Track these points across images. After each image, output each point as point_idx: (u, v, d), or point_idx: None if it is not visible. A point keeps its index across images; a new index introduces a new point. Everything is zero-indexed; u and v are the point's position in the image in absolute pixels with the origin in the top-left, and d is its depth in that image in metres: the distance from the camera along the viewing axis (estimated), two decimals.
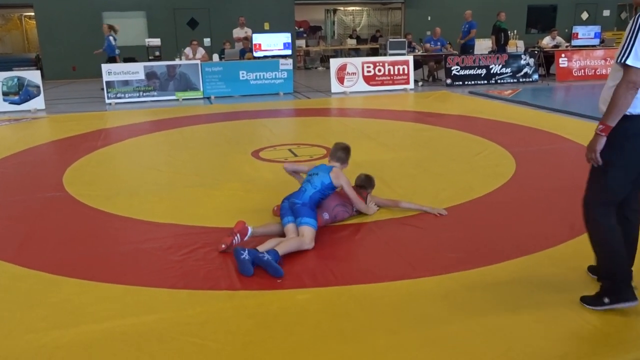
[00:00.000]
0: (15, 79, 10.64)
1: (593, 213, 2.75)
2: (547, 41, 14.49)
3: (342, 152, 4.22)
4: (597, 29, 14.43)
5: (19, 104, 10.64)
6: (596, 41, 14.21)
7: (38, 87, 10.76)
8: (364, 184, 4.35)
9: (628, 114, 2.56)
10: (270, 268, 3.27)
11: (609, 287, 2.75)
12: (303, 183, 4.04)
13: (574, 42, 14.09)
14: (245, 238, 3.68)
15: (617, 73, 2.60)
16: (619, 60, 2.50)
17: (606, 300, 2.75)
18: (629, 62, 2.46)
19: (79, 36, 17.50)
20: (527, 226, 3.98)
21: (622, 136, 2.58)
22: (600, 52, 13.69)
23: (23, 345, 2.60)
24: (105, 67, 11.29)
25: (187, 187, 5.22)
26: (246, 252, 3.33)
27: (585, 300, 2.84)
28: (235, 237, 3.64)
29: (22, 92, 10.66)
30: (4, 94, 10.59)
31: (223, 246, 3.61)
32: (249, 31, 13.54)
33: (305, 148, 6.76)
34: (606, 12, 22.46)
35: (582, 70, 13.55)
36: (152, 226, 4.19)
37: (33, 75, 10.83)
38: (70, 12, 17.47)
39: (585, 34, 14.20)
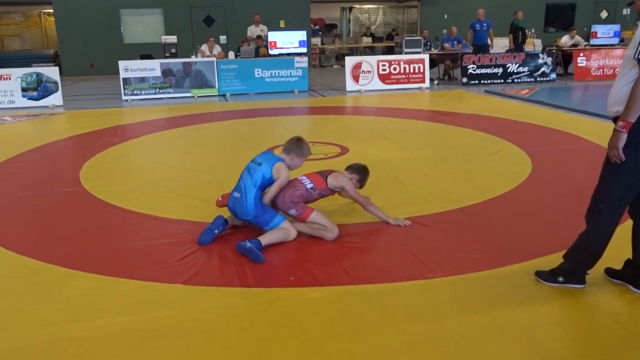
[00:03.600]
0: (34, 75, 10.78)
1: (598, 207, 2.80)
2: (565, 40, 14.31)
3: (288, 143, 4.01)
4: (616, 27, 14.22)
5: (37, 99, 10.78)
6: (615, 40, 14.00)
7: (56, 83, 10.89)
8: (356, 172, 4.12)
9: None
10: (252, 254, 3.43)
11: (569, 270, 2.97)
12: (243, 177, 3.79)
13: (593, 41, 13.90)
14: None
15: (628, 74, 2.61)
16: (635, 57, 2.53)
17: (560, 279, 2.99)
18: None
19: (96, 33, 17.69)
20: (543, 227, 3.93)
21: (637, 134, 2.60)
22: (619, 52, 13.47)
23: (38, 338, 2.64)
24: (122, 64, 11.38)
25: (202, 184, 5.25)
26: (248, 242, 3.48)
27: (540, 275, 3.08)
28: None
29: (40, 88, 10.80)
30: (23, 89, 10.73)
31: (220, 198, 4.04)
32: (265, 29, 13.54)
33: (319, 146, 6.75)
34: (626, 11, 22.11)
35: (601, 70, 13.37)
36: (167, 222, 4.22)
37: (51, 72, 10.96)
38: (89, 10, 17.66)
39: (604, 32, 14.01)
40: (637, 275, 2.95)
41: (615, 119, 2.72)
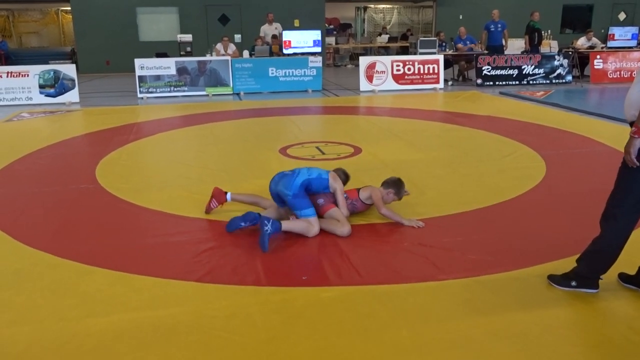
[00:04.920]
0: (52, 72, 10.92)
1: (613, 212, 2.80)
2: (582, 42, 14.17)
3: (340, 171, 4.28)
4: (634, 30, 14.07)
5: (54, 96, 10.92)
6: (633, 42, 13.86)
7: (73, 80, 11.02)
8: (392, 186, 4.19)
9: None
10: (261, 238, 3.53)
11: (582, 274, 2.95)
12: (300, 167, 4.05)
13: (610, 44, 13.77)
14: (226, 201, 4.29)
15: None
16: None
17: (573, 283, 2.97)
18: None
19: (113, 31, 17.86)
20: (556, 230, 3.92)
21: None
22: (637, 54, 13.33)
23: (55, 333, 2.69)
24: (138, 62, 11.49)
25: (216, 182, 5.26)
26: (270, 224, 3.54)
27: (553, 279, 3.06)
28: (212, 203, 4.27)
29: (57, 85, 10.93)
30: (41, 86, 10.87)
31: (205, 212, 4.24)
32: (279, 27, 13.56)
33: (332, 146, 6.77)
34: None
35: (618, 72, 13.23)
36: (181, 220, 4.26)
37: (68, 69, 11.09)
38: (105, 7, 17.84)
39: (622, 35, 13.88)
40: None
41: (632, 123, 2.71)
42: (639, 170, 2.66)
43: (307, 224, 3.77)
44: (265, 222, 3.54)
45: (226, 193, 4.33)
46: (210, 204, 4.30)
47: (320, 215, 3.94)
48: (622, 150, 2.71)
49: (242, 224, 3.82)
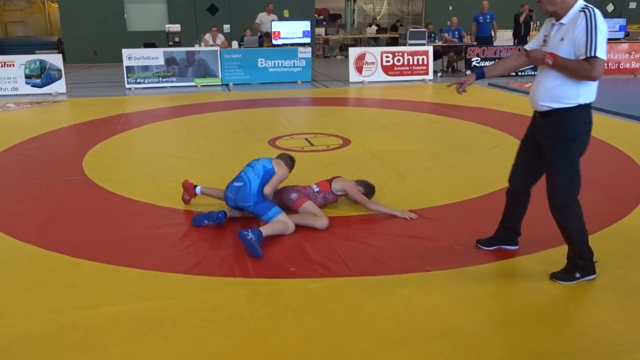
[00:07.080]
0: (38, 62, 10.78)
1: (571, 203, 2.96)
2: None
3: (284, 155, 4.28)
4: (622, 21, 14.15)
5: (40, 87, 10.79)
6: (621, 34, 13.94)
7: (60, 70, 10.89)
8: (364, 187, 4.20)
9: (585, 102, 2.86)
10: (250, 248, 3.41)
11: (581, 265, 3.02)
12: (244, 170, 3.97)
13: None
14: (196, 194, 4.30)
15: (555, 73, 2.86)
16: (589, 54, 2.80)
17: (577, 275, 3.02)
18: (599, 54, 2.79)
19: (100, 21, 17.66)
20: (542, 221, 3.93)
21: (583, 123, 2.90)
22: (624, 46, 13.42)
23: (42, 325, 2.68)
24: (125, 52, 11.37)
25: (203, 174, 5.27)
26: (250, 232, 3.47)
27: (557, 276, 3.06)
28: (184, 195, 4.30)
29: (44, 76, 10.80)
30: (27, 76, 10.73)
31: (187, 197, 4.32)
32: (275, 18, 13.46)
33: (321, 137, 6.77)
34: (632, 5, 21.97)
35: (605, 64, 13.25)
36: (168, 212, 4.25)
37: (55, 59, 10.96)
38: None
39: (609, 27, 13.79)
40: (514, 235, 3.37)
41: (542, 113, 2.94)
42: (577, 156, 2.90)
43: (283, 225, 3.72)
44: (245, 232, 3.46)
45: (195, 187, 4.31)
46: (184, 197, 4.35)
47: (294, 210, 3.93)
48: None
49: (206, 221, 3.90)
